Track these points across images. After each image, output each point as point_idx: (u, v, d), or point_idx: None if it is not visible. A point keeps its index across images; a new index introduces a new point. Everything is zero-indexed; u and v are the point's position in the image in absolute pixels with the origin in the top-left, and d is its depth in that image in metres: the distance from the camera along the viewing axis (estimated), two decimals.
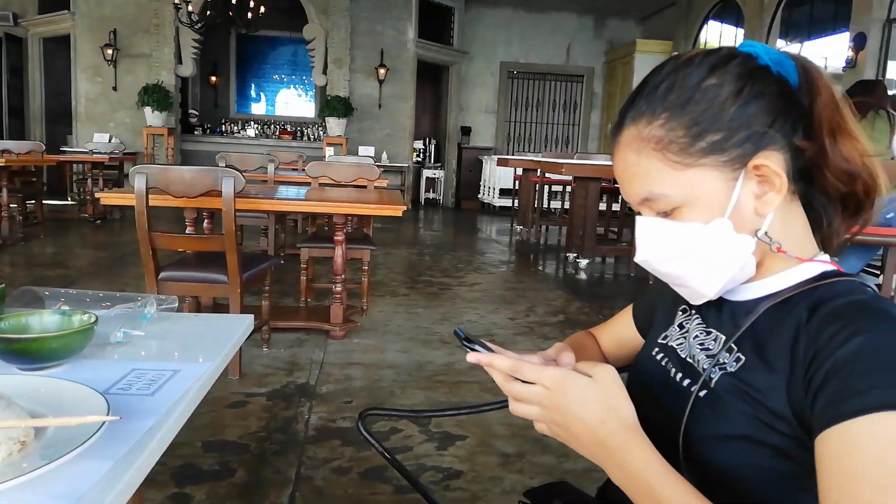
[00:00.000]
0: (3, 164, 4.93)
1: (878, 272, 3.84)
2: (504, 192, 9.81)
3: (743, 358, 0.63)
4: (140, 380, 0.74)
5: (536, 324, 3.72)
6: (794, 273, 0.65)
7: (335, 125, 9.34)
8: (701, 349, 0.69)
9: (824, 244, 0.69)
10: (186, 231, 3.04)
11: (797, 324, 0.60)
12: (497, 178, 9.92)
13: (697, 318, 0.73)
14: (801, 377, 0.57)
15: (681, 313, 0.76)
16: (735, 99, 0.62)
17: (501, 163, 7.85)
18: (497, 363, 0.62)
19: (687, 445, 0.63)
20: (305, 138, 11.00)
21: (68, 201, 8.09)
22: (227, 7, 7.57)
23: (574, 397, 0.59)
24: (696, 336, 0.71)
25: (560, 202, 8.48)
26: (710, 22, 9.62)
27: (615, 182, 5.96)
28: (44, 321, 0.78)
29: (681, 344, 0.73)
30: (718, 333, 0.68)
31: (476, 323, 3.62)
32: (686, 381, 0.67)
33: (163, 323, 0.96)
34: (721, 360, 0.65)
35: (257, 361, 2.89)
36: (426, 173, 11.07)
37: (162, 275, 2.56)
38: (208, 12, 7.72)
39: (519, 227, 7.84)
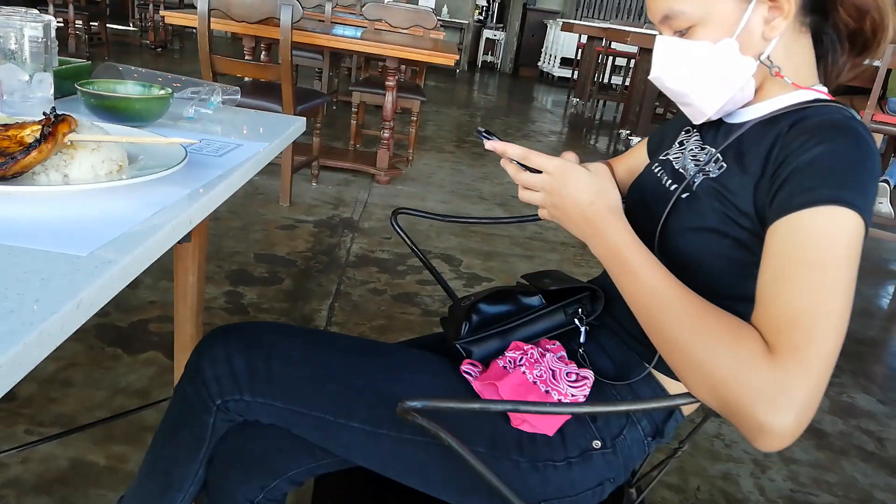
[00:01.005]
0: None
1: None
2: (565, 62, 9.42)
3: (725, 165, 0.71)
4: (210, 146, 0.85)
5: None
6: (789, 97, 0.71)
7: None
8: (692, 160, 0.77)
9: (828, 79, 0.74)
10: (245, 59, 3.10)
11: (777, 134, 0.66)
12: (560, 45, 9.48)
13: (696, 136, 0.80)
14: (768, 179, 0.64)
15: (683, 133, 0.83)
16: None
17: (566, 27, 7.48)
18: (510, 150, 0.71)
19: (663, 236, 0.72)
20: None
21: (130, 27, 8.13)
22: None
23: (571, 182, 0.68)
24: (692, 150, 0.78)
25: (622, 78, 8.13)
26: None
27: None
28: (128, 89, 0.89)
29: (677, 157, 0.80)
30: (711, 148, 0.75)
31: (513, 184, 3.68)
32: (673, 186, 0.75)
33: (226, 112, 1.06)
34: (706, 168, 0.72)
35: (307, 194, 3.05)
36: (486, 34, 10.63)
37: None
38: None
39: (576, 100, 7.63)
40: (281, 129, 1.01)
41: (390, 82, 3.26)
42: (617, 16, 11.14)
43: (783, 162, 0.63)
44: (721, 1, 0.67)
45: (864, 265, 3.28)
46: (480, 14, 10.66)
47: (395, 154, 3.65)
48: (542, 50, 10.25)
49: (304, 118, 1.12)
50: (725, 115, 0.75)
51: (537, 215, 0.77)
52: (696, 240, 0.69)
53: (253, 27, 2.69)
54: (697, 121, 0.76)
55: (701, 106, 0.73)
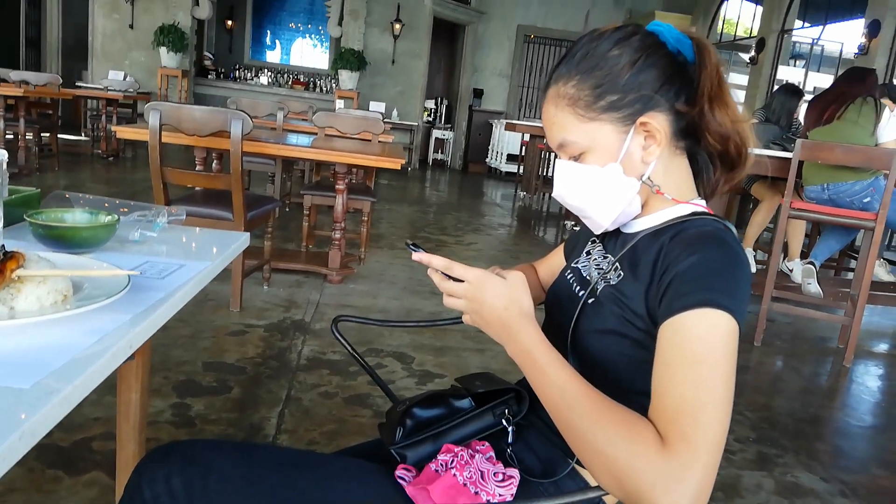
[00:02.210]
0: (21, 95, 5.06)
1: (855, 255, 3.99)
2: (511, 158, 9.89)
3: (622, 274, 0.80)
4: (153, 268, 0.90)
5: None
6: (671, 211, 0.82)
7: (347, 78, 9.38)
8: (596, 268, 0.87)
9: (706, 193, 0.86)
10: (196, 170, 3.19)
11: (661, 245, 0.76)
12: (506, 142, 9.98)
13: (600, 246, 0.91)
14: (655, 285, 0.73)
15: (590, 243, 0.94)
16: (630, 67, 0.78)
17: (509, 127, 7.92)
18: (435, 261, 0.79)
19: (574, 337, 0.80)
20: (318, 90, 11.05)
21: (82, 137, 8.23)
22: None
23: (489, 291, 0.76)
24: (596, 259, 0.89)
25: None
26: None
27: None
28: (76, 217, 0.94)
29: (584, 265, 0.91)
30: (611, 256, 0.86)
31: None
32: (581, 292, 0.85)
33: (172, 231, 1.12)
34: (607, 276, 0.82)
35: (258, 297, 3.07)
36: (436, 133, 11.13)
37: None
38: None
39: (523, 194, 7.96)
40: (225, 246, 1.07)
41: (340, 186, 3.38)
42: None
43: (666, 270, 0.72)
44: (603, 132, 0.79)
45: (800, 345, 3.44)
46: (429, 115, 11.19)
47: (348, 253, 3.73)
48: (489, 147, 10.76)
49: (248, 233, 1.18)
50: (621, 225, 0.86)
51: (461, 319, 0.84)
52: (601, 340, 0.77)
53: (204, 139, 2.80)
54: (596, 231, 0.87)
55: (597, 219, 0.84)
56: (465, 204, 7.32)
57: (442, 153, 11.20)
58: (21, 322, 0.64)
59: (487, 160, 10.81)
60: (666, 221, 0.80)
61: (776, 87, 4.58)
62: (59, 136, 6.34)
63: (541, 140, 7.36)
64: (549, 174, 8.33)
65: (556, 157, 0.90)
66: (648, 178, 0.79)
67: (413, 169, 10.21)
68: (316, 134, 4.28)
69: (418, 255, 0.80)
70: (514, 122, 8.67)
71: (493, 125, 10.67)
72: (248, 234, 1.17)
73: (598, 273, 0.84)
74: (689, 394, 0.62)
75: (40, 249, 0.90)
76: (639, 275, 0.77)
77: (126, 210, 1.04)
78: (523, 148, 8.47)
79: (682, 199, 0.81)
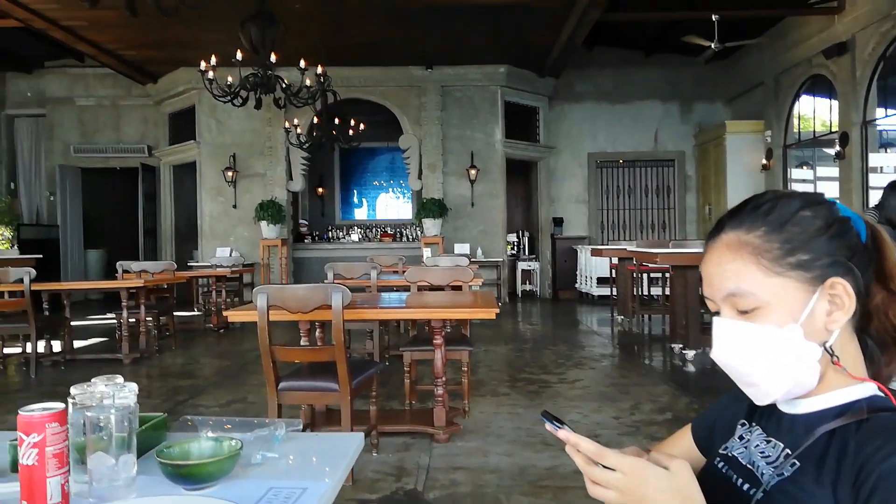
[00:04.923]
0: (142, 285, 5.56)
1: None
2: (602, 281, 9.73)
3: (797, 464, 0.71)
4: (277, 497, 0.89)
5: (642, 422, 3.63)
6: (847, 392, 0.73)
7: (431, 225, 9.78)
8: (762, 457, 0.77)
9: (875, 377, 0.77)
10: (301, 342, 3.30)
11: (846, 436, 0.68)
12: (593, 266, 9.89)
13: (759, 429, 0.81)
14: (848, 484, 0.64)
15: (740, 427, 0.84)
16: (825, 231, 0.75)
17: (595, 253, 7.88)
18: (583, 444, 0.71)
19: None
20: (404, 239, 11.56)
21: (195, 312, 8.85)
22: (330, 127, 8.36)
23: (652, 486, 0.68)
24: (758, 445, 0.79)
25: (661, 288, 8.29)
26: (803, 97, 9.45)
27: None
28: (201, 447, 0.96)
29: (742, 453, 0.80)
30: (777, 442, 0.76)
31: (579, 423, 3.58)
32: (746, 486, 0.75)
33: (290, 443, 1.12)
34: (778, 467, 0.73)
35: (368, 467, 3.01)
36: (521, 265, 11.23)
37: (281, 385, 2.79)
38: (314, 133, 8.54)
39: (620, 317, 7.72)
40: (342, 455, 1.05)
41: (437, 340, 3.38)
42: (641, 232, 11.73)
43: (861, 468, 0.63)
44: (788, 289, 0.73)
45: None
46: (513, 249, 11.38)
47: (451, 407, 3.65)
48: (577, 272, 10.68)
49: (361, 434, 1.16)
50: (785, 403, 0.77)
51: None
52: None
53: (308, 315, 2.91)
54: (761, 402, 0.78)
55: (767, 388, 0.75)
56: (562, 335, 7.15)
57: (530, 284, 11.21)
58: None
59: (577, 285, 10.69)
60: (843, 402, 0.72)
61: (886, 185, 4.31)
62: (175, 313, 6.83)
63: (630, 262, 7.24)
64: (644, 295, 8.09)
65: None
66: (830, 346, 0.73)
67: (503, 303, 10.21)
68: (408, 288, 4.39)
69: (564, 434, 0.73)
70: (600, 247, 8.64)
71: (578, 251, 10.66)
72: (361, 435, 1.15)
73: (766, 462, 0.75)
74: None
75: (170, 486, 0.91)
76: (823, 468, 0.68)
77: (247, 430, 1.05)
78: (613, 270, 8.34)
79: (860, 377, 0.73)
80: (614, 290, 8.22)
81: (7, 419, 3.87)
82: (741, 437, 0.83)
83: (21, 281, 5.03)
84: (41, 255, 8.22)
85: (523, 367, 5.26)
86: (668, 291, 7.21)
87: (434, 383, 3.41)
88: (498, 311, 3.06)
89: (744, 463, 0.78)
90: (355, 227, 12.34)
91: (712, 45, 8.30)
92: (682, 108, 11.47)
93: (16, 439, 0.89)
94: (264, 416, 3.35)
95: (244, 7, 5.88)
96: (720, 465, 0.82)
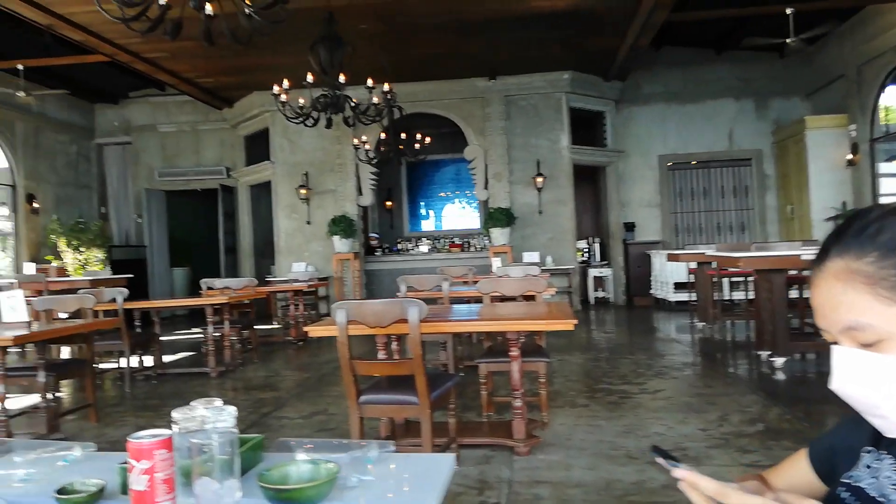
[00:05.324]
0: (226, 301, 5.78)
1: None
2: (679, 286, 9.40)
3: None
4: None
5: (732, 434, 3.46)
6: None
7: (499, 235, 9.74)
8: (892, 486, 0.71)
9: None
10: (379, 355, 3.34)
11: None
12: (669, 271, 9.56)
13: (890, 458, 0.74)
14: None
15: (866, 454, 0.78)
16: None
17: (672, 258, 7.61)
18: (702, 484, 0.68)
19: None
20: (472, 248, 11.56)
21: (274, 325, 9.14)
22: (397, 142, 8.49)
23: None
24: (889, 476, 0.73)
25: (744, 292, 7.93)
26: (888, 88, 8.87)
27: (803, 271, 5.49)
28: (300, 470, 0.97)
29: (871, 484, 0.74)
30: None
31: (664, 436, 3.45)
32: None
33: (383, 464, 1.12)
34: None
35: (451, 479, 2.99)
36: (593, 272, 11.00)
37: (362, 399, 2.83)
38: (382, 148, 8.71)
39: (700, 324, 7.42)
40: (435, 479, 1.04)
41: (514, 352, 3.34)
42: (719, 234, 11.29)
43: None
44: None
45: None
46: (583, 255, 11.17)
47: (530, 419, 3.60)
48: (652, 278, 10.36)
49: (453, 455, 1.15)
50: None
51: None
52: None
53: (385, 329, 2.94)
54: (890, 434, 0.72)
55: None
56: (639, 343, 6.94)
57: (603, 290, 10.97)
58: None
59: (652, 291, 10.37)
60: None
61: None
62: (255, 327, 7.08)
63: (709, 266, 6.97)
64: (726, 300, 7.76)
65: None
66: None
67: (576, 311, 10.02)
68: (480, 299, 4.37)
69: (681, 473, 0.70)
70: (677, 252, 8.36)
71: (652, 256, 10.35)
72: (454, 456, 1.14)
73: None
74: None
75: None
76: None
77: (341, 452, 1.06)
78: (691, 275, 8.04)
79: None
80: (693, 295, 7.92)
81: (105, 432, 4.09)
82: (868, 466, 0.76)
83: (115, 300, 5.34)
84: (132, 275, 8.70)
85: (601, 378, 5.14)
86: (751, 296, 6.88)
87: (511, 395, 3.37)
88: (576, 321, 3.00)
89: (873, 496, 0.72)
90: (423, 239, 12.45)
91: (788, 41, 7.92)
92: (756, 104, 10.98)
93: (125, 462, 0.93)
94: (345, 427, 3.41)
95: (313, 31, 6.05)
96: (845, 495, 0.76)
